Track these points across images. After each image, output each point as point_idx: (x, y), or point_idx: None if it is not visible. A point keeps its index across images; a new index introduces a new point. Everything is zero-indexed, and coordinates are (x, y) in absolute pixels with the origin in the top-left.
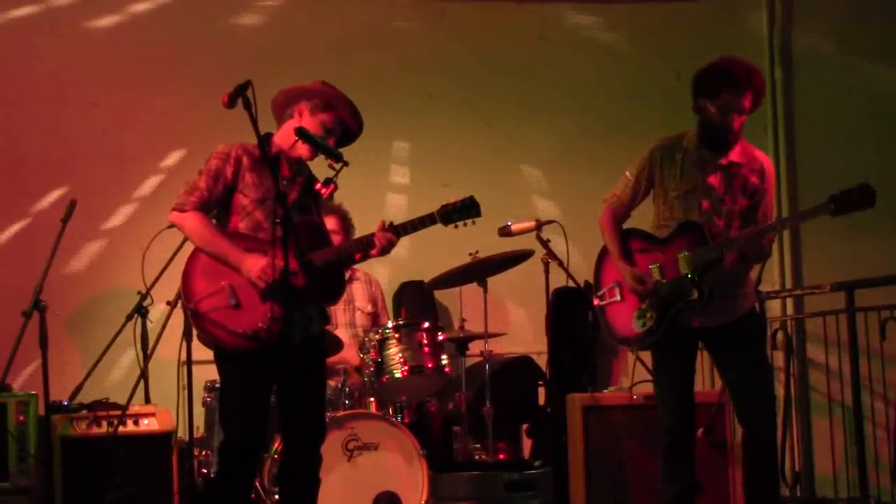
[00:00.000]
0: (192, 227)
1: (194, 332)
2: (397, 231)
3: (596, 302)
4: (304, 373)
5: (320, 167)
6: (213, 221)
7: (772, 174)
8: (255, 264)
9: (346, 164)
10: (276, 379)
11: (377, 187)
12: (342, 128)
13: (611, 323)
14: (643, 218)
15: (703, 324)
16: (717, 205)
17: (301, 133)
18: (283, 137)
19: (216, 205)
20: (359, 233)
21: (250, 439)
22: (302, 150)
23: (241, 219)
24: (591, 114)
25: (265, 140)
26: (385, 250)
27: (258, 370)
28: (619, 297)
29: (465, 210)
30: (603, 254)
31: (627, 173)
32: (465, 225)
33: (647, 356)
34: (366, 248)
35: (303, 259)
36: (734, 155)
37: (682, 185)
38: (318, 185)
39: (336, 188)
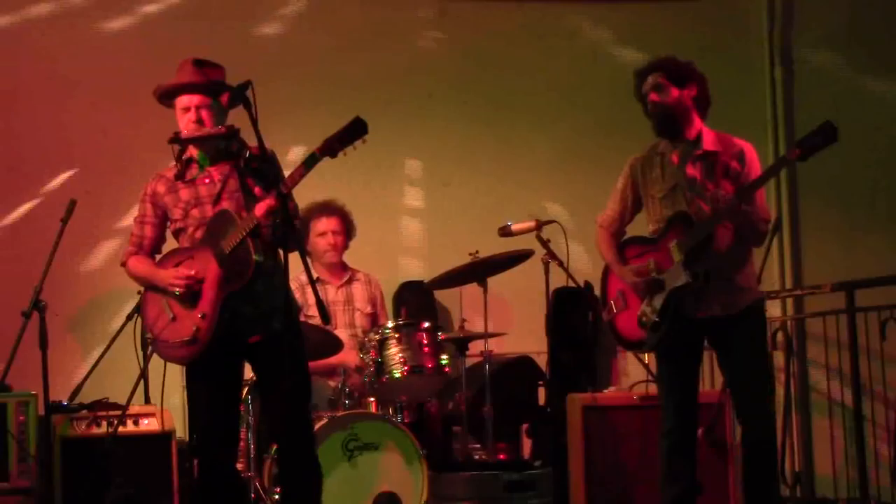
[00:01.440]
0: (130, 273)
1: None
2: (280, 191)
3: (605, 317)
4: (272, 368)
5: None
6: (146, 258)
7: (753, 157)
8: (166, 275)
9: (235, 133)
10: (256, 381)
11: (377, 187)
12: (206, 100)
13: (620, 331)
14: (641, 230)
15: (707, 313)
16: (701, 192)
17: (173, 140)
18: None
19: (156, 243)
20: (359, 232)
21: (218, 440)
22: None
23: (184, 239)
24: (591, 114)
25: (179, 155)
26: (276, 225)
27: (214, 372)
28: (624, 305)
29: (349, 133)
30: (606, 271)
31: (613, 190)
32: (354, 149)
33: (646, 356)
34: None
35: (222, 256)
36: (708, 145)
37: (665, 185)
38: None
39: (247, 158)
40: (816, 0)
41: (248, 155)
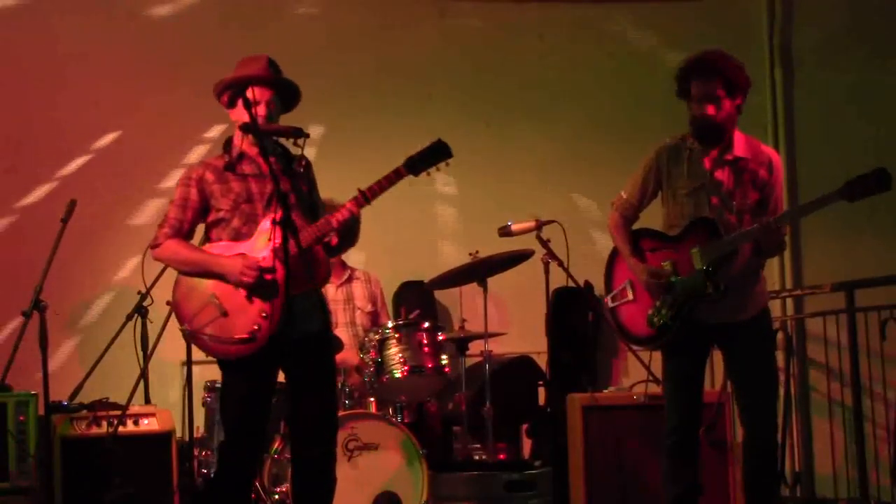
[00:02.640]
0: (168, 255)
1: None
2: (365, 196)
3: (608, 303)
4: (311, 369)
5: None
6: (189, 242)
7: (780, 168)
8: (235, 265)
9: (306, 135)
10: (287, 379)
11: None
12: (273, 94)
13: (624, 324)
14: (650, 221)
15: (719, 320)
16: (727, 200)
17: (245, 129)
18: (238, 136)
19: (192, 229)
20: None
21: (251, 440)
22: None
23: (222, 230)
24: (591, 114)
25: (227, 146)
26: (347, 223)
27: (257, 371)
28: (631, 297)
29: (433, 154)
30: (613, 256)
31: (634, 175)
32: (437, 170)
33: (646, 356)
34: (331, 225)
35: (301, 250)
36: (739, 150)
37: (690, 182)
38: (295, 165)
39: (308, 162)
40: (816, 0)
41: (305, 161)
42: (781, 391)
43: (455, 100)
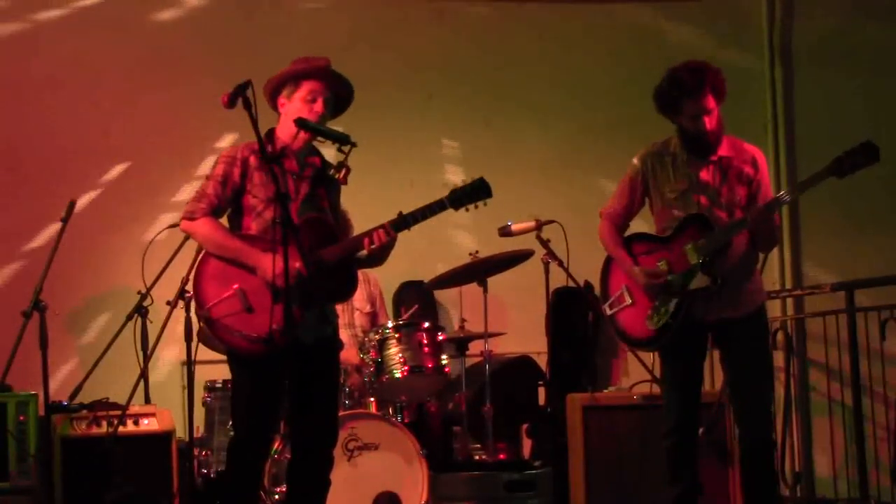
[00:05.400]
0: (203, 234)
1: (194, 335)
2: (406, 220)
3: (607, 311)
4: (318, 374)
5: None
6: (224, 225)
7: (765, 164)
8: (266, 261)
9: (354, 144)
10: (291, 379)
11: (377, 187)
12: (331, 93)
13: (624, 328)
14: (637, 229)
15: (717, 316)
16: (715, 197)
17: (301, 123)
18: (285, 130)
19: (226, 209)
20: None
21: (260, 439)
22: (306, 139)
23: (252, 220)
24: (591, 113)
25: (268, 136)
26: (384, 248)
27: (270, 371)
28: (629, 301)
29: (475, 192)
30: (607, 263)
31: (621, 183)
32: (475, 207)
33: (647, 356)
34: (362, 242)
35: (306, 258)
36: (723, 150)
37: (677, 185)
38: (332, 171)
39: (349, 171)
40: (816, 0)
41: (346, 169)
42: (781, 391)
43: (455, 100)
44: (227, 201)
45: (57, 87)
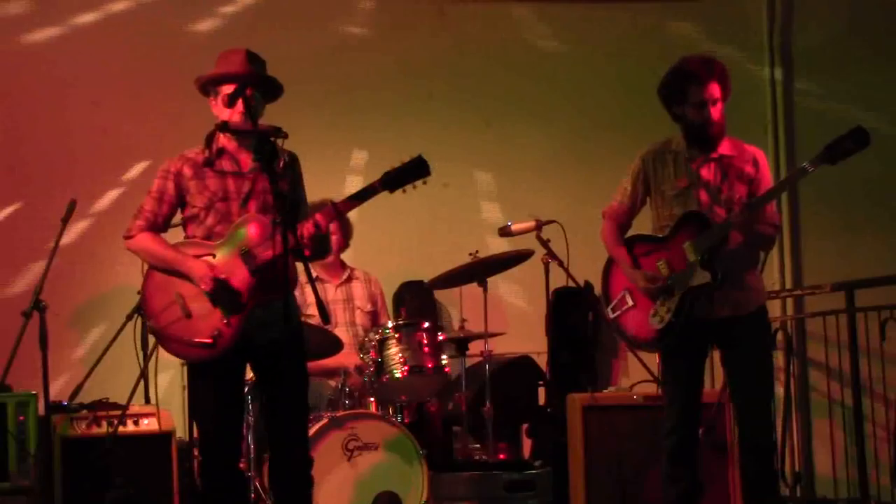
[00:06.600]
0: (141, 248)
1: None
2: (336, 208)
3: (610, 315)
4: (280, 374)
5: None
6: (161, 237)
7: (766, 164)
8: (199, 267)
9: (285, 135)
10: (258, 380)
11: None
12: (255, 83)
13: (628, 330)
14: (641, 228)
15: (719, 314)
16: (715, 195)
17: (222, 128)
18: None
19: (166, 223)
20: (359, 232)
21: (225, 435)
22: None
23: (195, 227)
24: (591, 113)
25: (208, 140)
26: (315, 237)
27: (223, 374)
28: (631, 303)
29: (411, 171)
30: (608, 266)
31: (622, 183)
32: (414, 188)
33: (646, 356)
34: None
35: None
36: (724, 149)
37: (678, 182)
38: (260, 162)
39: (289, 159)
40: (816, 0)
41: (286, 158)
42: (781, 391)
43: (455, 100)
44: (164, 216)
45: (57, 85)
